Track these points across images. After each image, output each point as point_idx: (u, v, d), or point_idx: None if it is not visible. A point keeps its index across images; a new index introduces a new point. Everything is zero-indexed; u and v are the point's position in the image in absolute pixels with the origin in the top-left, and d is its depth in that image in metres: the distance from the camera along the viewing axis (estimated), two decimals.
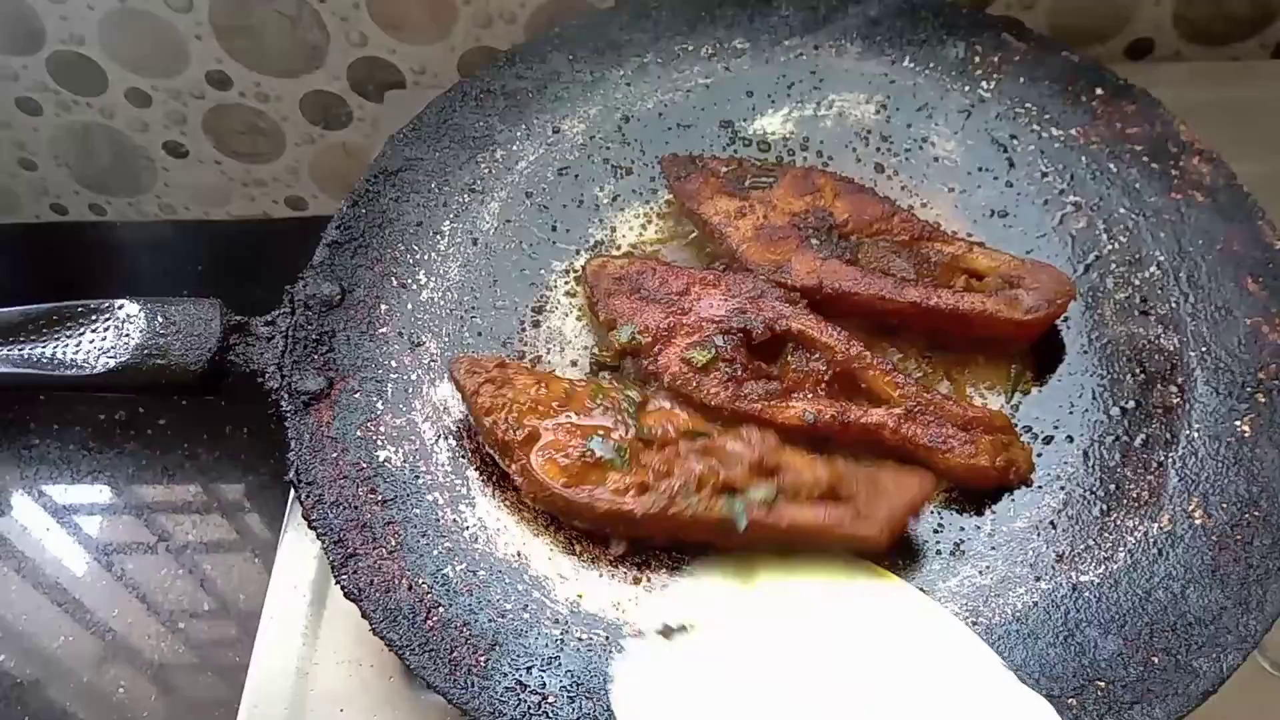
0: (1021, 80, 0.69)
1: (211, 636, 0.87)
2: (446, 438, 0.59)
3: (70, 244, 1.09)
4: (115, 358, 0.58)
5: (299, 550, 0.62)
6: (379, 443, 0.58)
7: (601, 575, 0.55)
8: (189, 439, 0.94)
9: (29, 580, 0.90)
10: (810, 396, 0.58)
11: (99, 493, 0.94)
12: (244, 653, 0.85)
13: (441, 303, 0.64)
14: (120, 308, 0.60)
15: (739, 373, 0.59)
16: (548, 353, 0.63)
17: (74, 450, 0.95)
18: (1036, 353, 0.60)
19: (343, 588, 0.53)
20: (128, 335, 0.59)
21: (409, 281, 0.64)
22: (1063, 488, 0.55)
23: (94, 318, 0.59)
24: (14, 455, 0.96)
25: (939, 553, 0.54)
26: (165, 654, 0.86)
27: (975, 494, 0.56)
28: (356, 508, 0.55)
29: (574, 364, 0.63)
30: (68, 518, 0.93)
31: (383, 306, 0.63)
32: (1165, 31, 0.85)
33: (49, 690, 0.86)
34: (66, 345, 0.58)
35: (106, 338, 0.59)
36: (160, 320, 0.59)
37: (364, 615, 0.52)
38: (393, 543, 0.54)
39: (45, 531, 0.93)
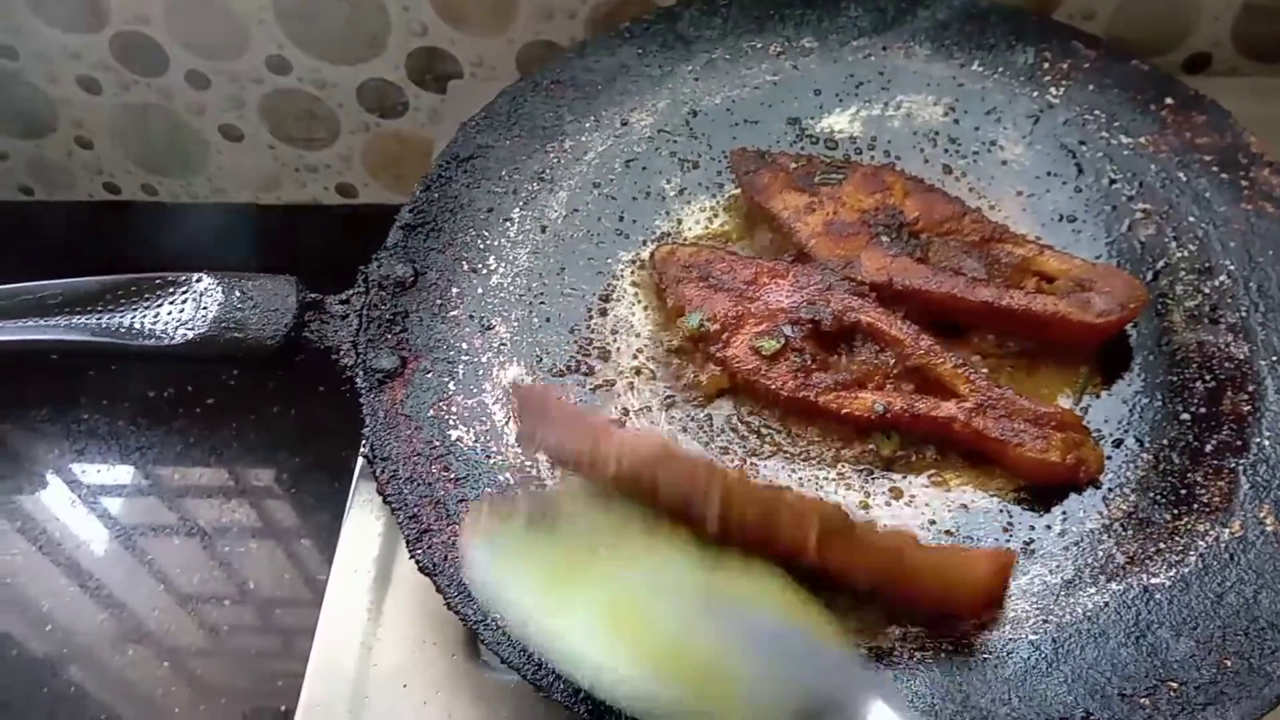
0: (1090, 87, 0.69)
1: (251, 623, 0.87)
2: (516, 419, 0.59)
3: (120, 222, 1.10)
4: (194, 329, 0.59)
5: (364, 527, 0.62)
6: (451, 422, 0.59)
7: None
8: (236, 419, 0.95)
9: (70, 557, 0.91)
10: (880, 388, 0.58)
11: (144, 469, 0.95)
12: (282, 641, 0.86)
13: (511, 288, 0.64)
14: (198, 281, 0.60)
15: (808, 363, 0.59)
16: (614, 340, 0.63)
17: (122, 426, 0.96)
18: (1104, 357, 0.61)
19: (418, 563, 0.53)
20: (205, 308, 0.59)
21: (479, 266, 0.65)
22: (1133, 490, 0.56)
23: (171, 290, 0.60)
24: (63, 430, 0.96)
25: (1009, 551, 0.54)
26: (203, 638, 0.87)
27: (1045, 494, 0.56)
28: (430, 484, 0.56)
29: (640, 352, 0.63)
30: (109, 498, 0.94)
31: (454, 290, 0.64)
32: (1223, 47, 0.85)
33: (86, 669, 0.86)
34: (145, 316, 0.59)
35: (185, 310, 0.59)
36: (238, 295, 0.60)
37: (438, 590, 0.52)
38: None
39: (86, 511, 0.93)
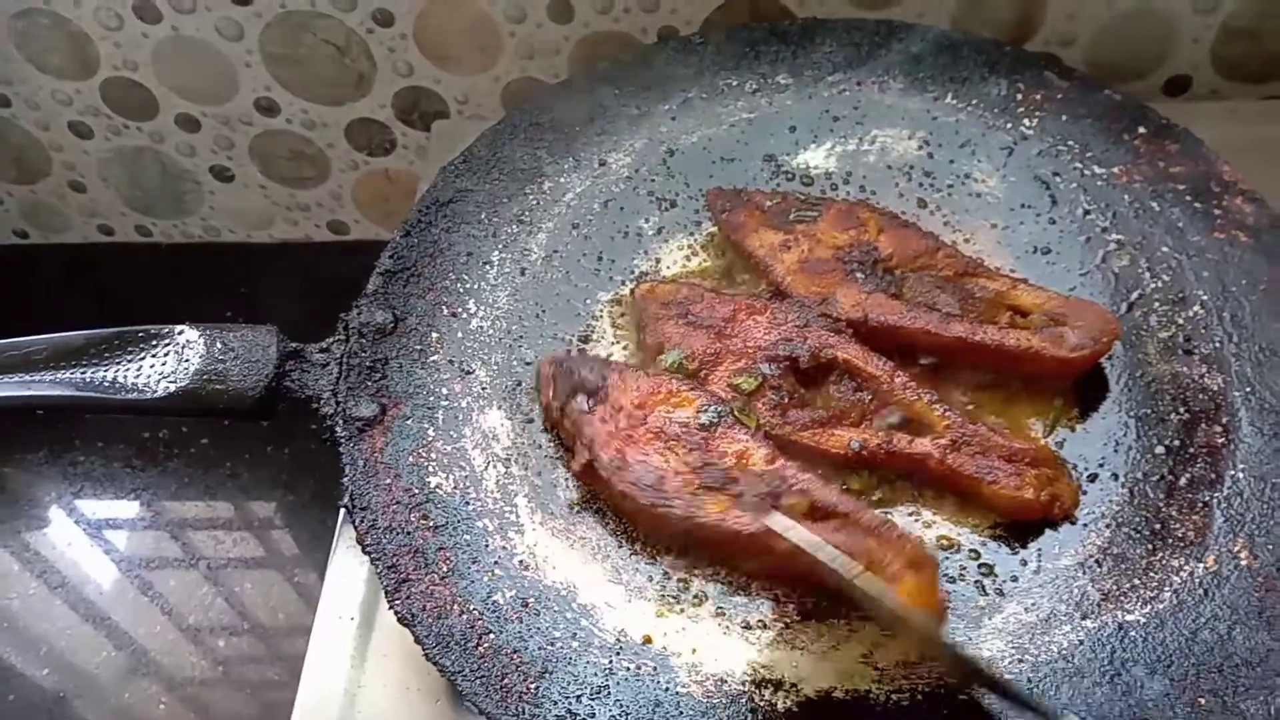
0: (1064, 118, 0.70)
1: (251, 654, 0.88)
2: (495, 465, 0.60)
3: (115, 264, 1.11)
4: (175, 382, 0.59)
5: (347, 573, 0.63)
6: (430, 469, 0.59)
7: (649, 604, 0.55)
8: (230, 459, 0.96)
9: (70, 595, 0.91)
10: (856, 425, 0.59)
11: (141, 510, 0.96)
12: (283, 671, 0.87)
13: (491, 331, 0.65)
14: (180, 333, 0.61)
15: (785, 400, 0.60)
16: None
17: (118, 468, 0.97)
18: (1079, 389, 0.61)
19: (396, 613, 0.54)
20: (187, 360, 0.60)
21: (459, 310, 0.65)
22: (1108, 526, 0.56)
23: (154, 343, 0.61)
24: (59, 471, 0.97)
25: (984, 589, 0.55)
26: (205, 671, 0.88)
27: (1020, 530, 0.56)
28: (409, 533, 0.56)
29: None
30: (110, 534, 0.95)
31: (434, 335, 0.64)
32: (1203, 69, 0.86)
33: (89, 705, 0.87)
34: (128, 369, 0.60)
35: (167, 362, 0.60)
36: (219, 346, 0.61)
37: (417, 640, 0.53)
38: (444, 568, 0.55)
39: (87, 547, 0.94)
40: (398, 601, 0.54)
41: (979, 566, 0.55)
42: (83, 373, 0.60)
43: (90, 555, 0.94)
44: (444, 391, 0.62)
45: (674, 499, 0.55)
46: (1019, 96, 0.71)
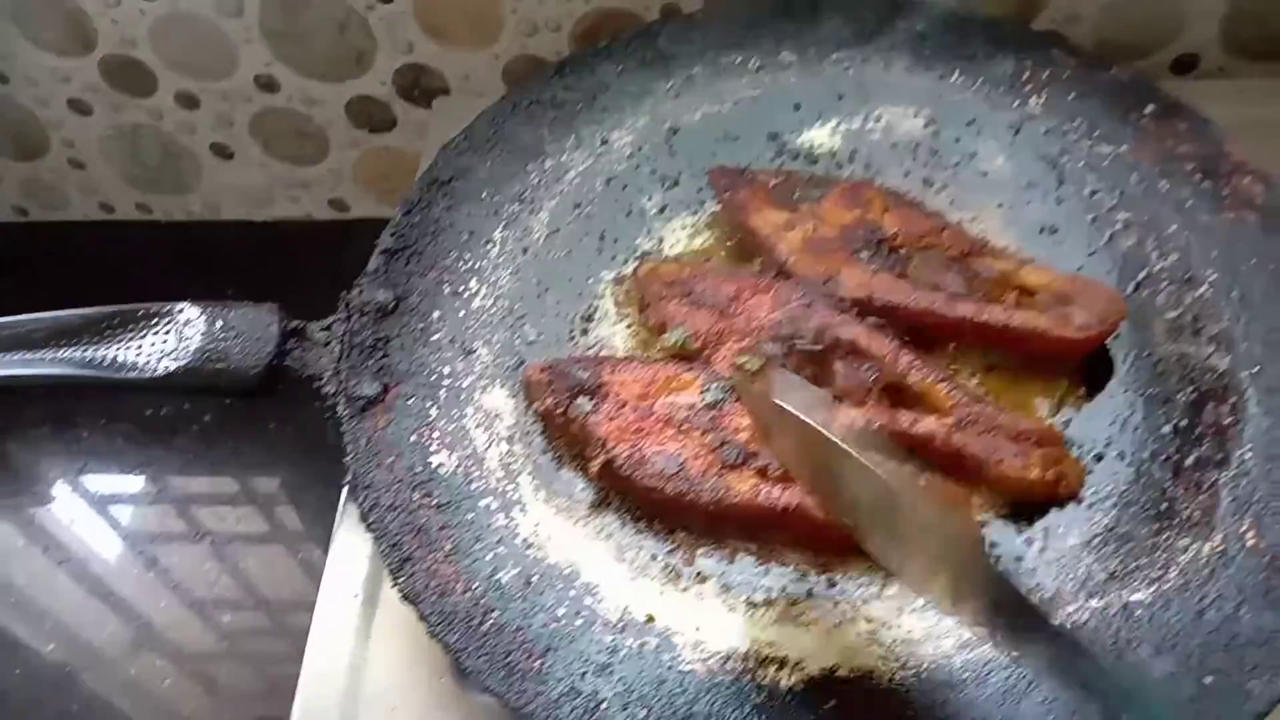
0: (1071, 97, 0.69)
1: (255, 629, 0.88)
2: (498, 443, 0.60)
3: (115, 241, 1.10)
4: (176, 360, 0.59)
5: (351, 550, 0.63)
6: (433, 448, 0.59)
7: (652, 582, 0.55)
8: (234, 435, 0.95)
9: (76, 570, 0.92)
10: (860, 404, 0.58)
11: (144, 486, 0.96)
12: (289, 646, 0.87)
13: (493, 310, 0.65)
14: (180, 311, 0.61)
15: None
16: None
17: (121, 443, 0.97)
18: (1085, 369, 0.61)
19: (400, 591, 0.54)
20: (188, 339, 0.60)
21: (461, 289, 0.65)
22: (1114, 506, 0.55)
23: (154, 321, 0.61)
24: (63, 447, 0.97)
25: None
26: (209, 646, 0.88)
27: (1025, 509, 0.56)
28: (412, 512, 0.56)
29: None
30: (113, 509, 0.95)
31: (435, 313, 0.64)
32: (1211, 47, 0.85)
33: (95, 678, 0.87)
34: (128, 348, 0.60)
35: (167, 340, 0.60)
36: (220, 324, 0.60)
37: (421, 618, 0.53)
38: (448, 547, 0.55)
39: (91, 523, 0.94)
40: (402, 579, 0.54)
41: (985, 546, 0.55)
42: (82, 351, 0.60)
43: (95, 530, 0.94)
44: (446, 370, 0.62)
45: (701, 484, 0.55)
46: (1025, 75, 0.71)
